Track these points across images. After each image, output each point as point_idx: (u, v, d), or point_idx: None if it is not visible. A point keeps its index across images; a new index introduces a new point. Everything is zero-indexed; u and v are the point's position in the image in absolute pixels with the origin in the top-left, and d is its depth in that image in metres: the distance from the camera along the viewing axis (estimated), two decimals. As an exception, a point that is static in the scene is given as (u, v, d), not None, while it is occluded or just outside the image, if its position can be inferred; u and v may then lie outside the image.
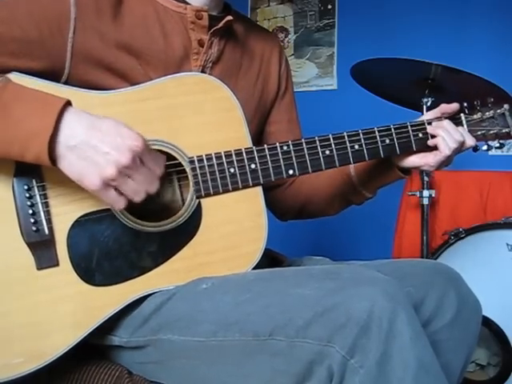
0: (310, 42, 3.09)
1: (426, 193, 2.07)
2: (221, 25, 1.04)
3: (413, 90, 1.89)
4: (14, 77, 0.89)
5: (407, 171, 1.14)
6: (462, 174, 2.32)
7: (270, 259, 1.16)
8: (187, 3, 1.04)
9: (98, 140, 0.81)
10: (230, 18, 1.05)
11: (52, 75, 0.92)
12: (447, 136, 1.06)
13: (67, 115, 0.82)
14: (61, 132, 0.81)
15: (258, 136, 1.19)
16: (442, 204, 2.29)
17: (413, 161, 1.10)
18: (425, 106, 1.88)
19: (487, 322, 1.78)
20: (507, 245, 1.83)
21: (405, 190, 2.32)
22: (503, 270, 1.83)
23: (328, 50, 3.04)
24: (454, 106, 1.10)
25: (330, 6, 3.05)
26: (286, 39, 3.15)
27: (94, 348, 0.97)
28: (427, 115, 1.12)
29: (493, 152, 2.56)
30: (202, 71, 1.05)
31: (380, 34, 2.85)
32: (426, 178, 2.09)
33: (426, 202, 2.08)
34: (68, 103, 0.83)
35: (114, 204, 0.85)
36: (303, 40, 3.11)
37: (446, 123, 1.08)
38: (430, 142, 1.08)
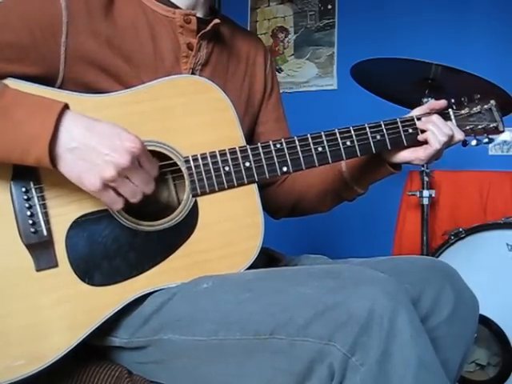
0: (310, 41, 3.09)
1: (425, 193, 2.07)
2: (209, 28, 1.05)
3: (413, 90, 1.89)
4: (10, 82, 0.89)
5: (398, 166, 1.15)
6: (461, 174, 2.32)
7: (267, 258, 1.17)
8: (176, 7, 1.05)
9: (96, 142, 0.82)
10: (217, 21, 1.06)
11: (47, 79, 0.93)
12: (437, 130, 1.07)
13: (66, 118, 0.83)
14: (60, 135, 0.82)
15: (249, 137, 1.20)
16: (442, 204, 2.30)
17: (403, 156, 1.11)
18: (425, 106, 1.88)
19: (487, 322, 1.78)
20: (507, 245, 1.83)
21: (405, 190, 2.32)
22: (503, 270, 1.83)
23: (328, 50, 3.04)
24: (442, 102, 1.12)
25: (329, 6, 3.04)
26: (286, 39, 3.15)
27: (94, 348, 0.97)
28: (416, 111, 1.13)
29: (493, 152, 2.59)
30: (192, 74, 1.06)
31: (380, 34, 2.85)
32: (425, 178, 2.09)
33: (426, 202, 2.08)
34: (66, 106, 0.84)
35: (112, 205, 0.85)
36: (303, 40, 3.11)
37: (435, 118, 1.09)
38: (420, 137, 1.09)
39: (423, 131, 1.09)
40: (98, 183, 0.82)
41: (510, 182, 2.25)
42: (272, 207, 1.29)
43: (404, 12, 2.82)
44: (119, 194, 0.84)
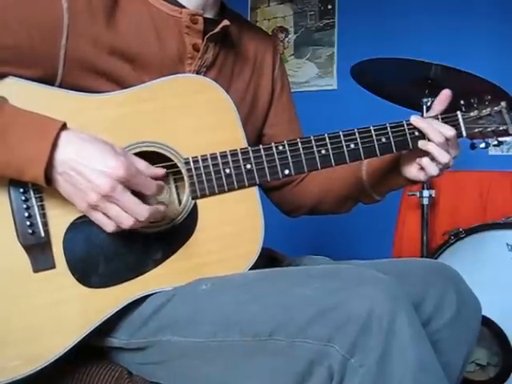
0: (310, 42, 3.10)
1: (426, 193, 2.07)
2: (217, 30, 1.02)
3: (413, 90, 1.89)
4: (11, 81, 0.89)
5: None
6: (461, 174, 2.31)
7: (268, 259, 1.16)
8: (183, 7, 1.03)
9: (83, 166, 0.83)
10: (226, 22, 1.03)
11: (45, 82, 0.91)
12: (437, 152, 1.04)
13: (61, 141, 0.83)
14: (55, 157, 0.83)
15: (255, 140, 1.18)
16: (442, 204, 2.29)
17: (412, 173, 1.10)
18: (425, 106, 1.88)
19: (487, 322, 1.78)
20: (507, 245, 1.83)
21: (405, 190, 2.31)
22: (503, 270, 1.83)
23: (328, 50, 3.04)
24: (446, 95, 1.09)
25: (329, 6, 3.05)
26: (286, 39, 3.15)
27: (94, 349, 0.96)
28: (427, 114, 1.11)
29: (493, 152, 2.59)
30: None
31: (380, 34, 2.85)
32: (425, 178, 2.09)
33: (425, 202, 2.08)
34: (63, 127, 0.84)
35: (103, 227, 0.87)
36: (303, 40, 3.11)
37: (431, 146, 1.04)
38: (419, 162, 1.07)
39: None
40: (84, 205, 0.84)
41: (510, 182, 2.24)
42: (288, 207, 1.29)
43: (404, 12, 2.82)
44: (109, 217, 0.85)
